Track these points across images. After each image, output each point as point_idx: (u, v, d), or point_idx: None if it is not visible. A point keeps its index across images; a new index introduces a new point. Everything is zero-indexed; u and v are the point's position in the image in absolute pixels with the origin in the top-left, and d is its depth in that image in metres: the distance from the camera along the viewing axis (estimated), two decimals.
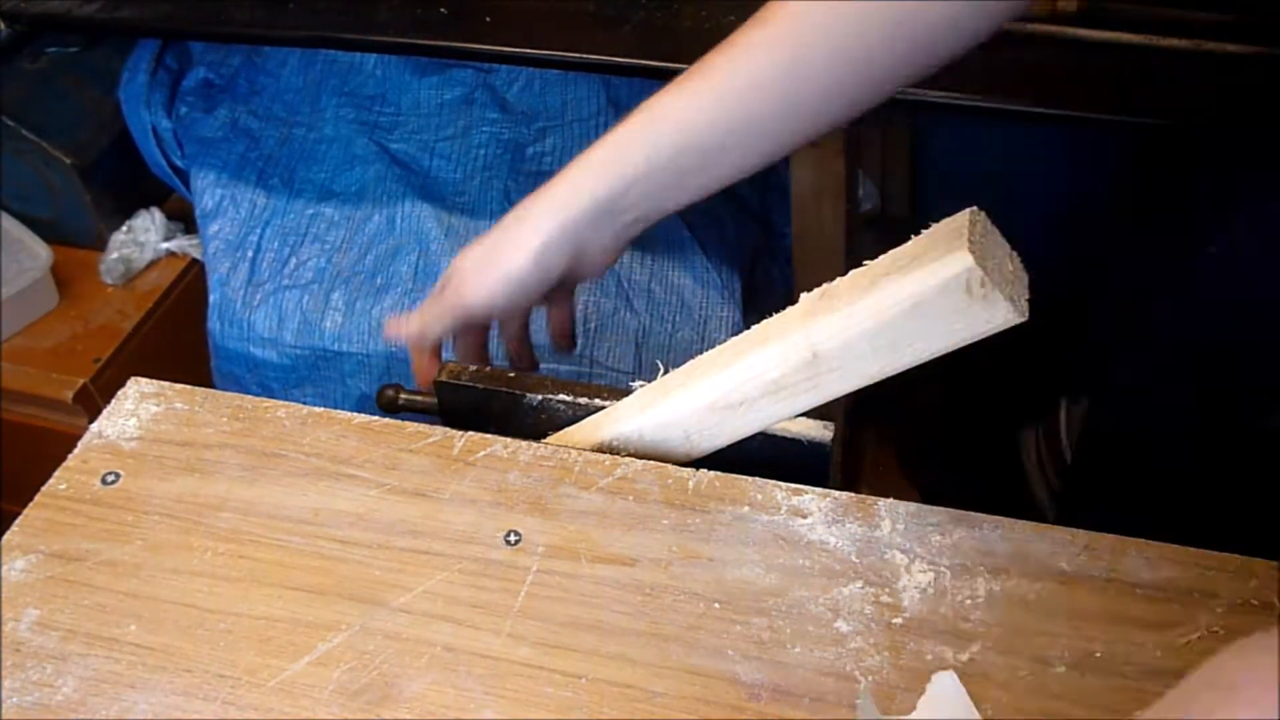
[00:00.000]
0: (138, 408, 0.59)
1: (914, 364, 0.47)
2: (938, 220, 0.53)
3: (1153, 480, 0.80)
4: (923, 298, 0.45)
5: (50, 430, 1.19)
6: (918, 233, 0.52)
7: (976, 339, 0.46)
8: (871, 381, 0.49)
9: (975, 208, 0.47)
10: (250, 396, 0.59)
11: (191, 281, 1.29)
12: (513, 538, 0.52)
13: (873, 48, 0.54)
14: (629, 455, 0.56)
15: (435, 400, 0.63)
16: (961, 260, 0.44)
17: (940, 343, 0.46)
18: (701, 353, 0.56)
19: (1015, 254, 0.47)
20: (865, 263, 0.49)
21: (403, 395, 0.66)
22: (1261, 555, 0.50)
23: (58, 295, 1.25)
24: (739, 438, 0.54)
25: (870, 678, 0.46)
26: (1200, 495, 0.74)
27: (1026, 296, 0.46)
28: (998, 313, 0.45)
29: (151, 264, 1.29)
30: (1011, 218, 0.63)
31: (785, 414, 0.53)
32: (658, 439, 0.55)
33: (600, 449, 0.57)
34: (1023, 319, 0.45)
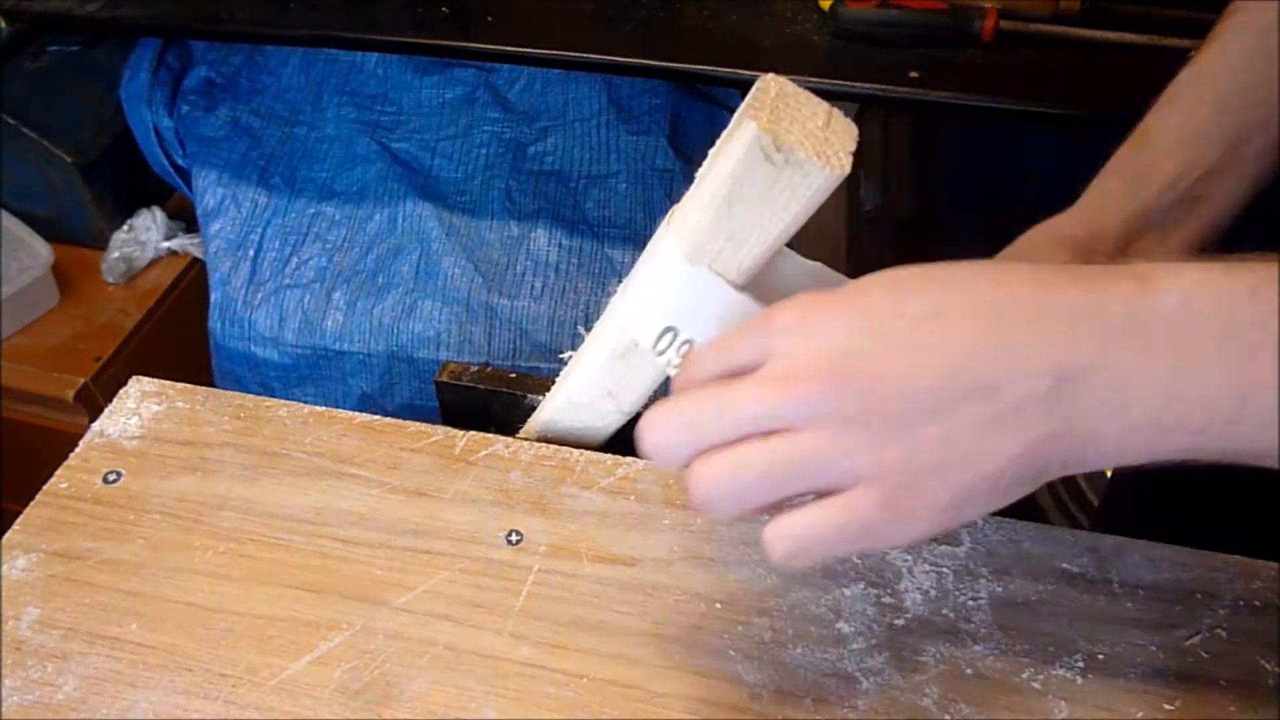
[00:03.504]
0: (139, 406, 0.59)
1: (768, 253, 0.45)
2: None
3: (1155, 480, 0.80)
4: (730, 179, 0.43)
5: (51, 429, 1.19)
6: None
7: (813, 204, 0.44)
8: (744, 283, 0.47)
9: (772, 74, 0.44)
10: (251, 395, 0.59)
11: (193, 280, 1.29)
12: (514, 537, 0.52)
13: None
14: (566, 428, 0.56)
15: None
16: (749, 130, 0.42)
17: (777, 219, 0.44)
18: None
19: (836, 110, 0.44)
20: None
21: None
22: (1263, 556, 0.50)
23: (59, 294, 1.25)
24: (655, 382, 0.53)
25: (872, 678, 0.46)
26: (1201, 496, 0.74)
27: (850, 149, 0.43)
28: (811, 173, 0.42)
29: (153, 263, 1.29)
30: (1012, 217, 0.63)
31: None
32: (583, 402, 0.55)
33: (543, 428, 0.57)
34: (843, 172, 0.42)
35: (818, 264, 0.47)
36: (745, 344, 0.39)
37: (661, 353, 0.48)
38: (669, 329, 0.47)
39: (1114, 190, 0.56)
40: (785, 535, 0.38)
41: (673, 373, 0.47)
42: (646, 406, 0.56)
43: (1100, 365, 0.35)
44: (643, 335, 0.49)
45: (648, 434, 0.40)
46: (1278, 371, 0.34)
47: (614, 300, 0.52)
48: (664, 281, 0.47)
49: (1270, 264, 0.34)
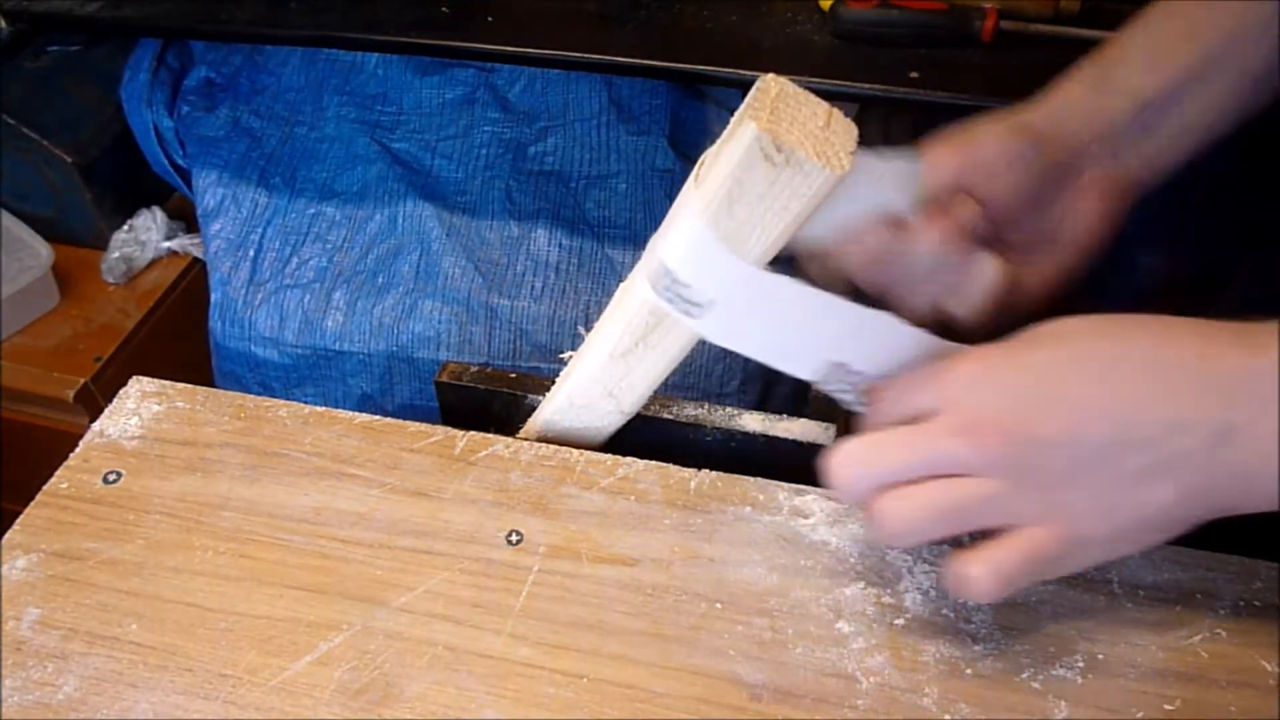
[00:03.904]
0: (139, 407, 0.59)
1: (769, 254, 0.46)
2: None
3: None
4: (731, 180, 0.43)
5: (51, 429, 1.19)
6: None
7: (814, 204, 0.44)
8: None
9: (772, 74, 0.45)
10: (252, 396, 0.59)
11: (193, 280, 1.29)
12: (514, 537, 0.52)
13: None
14: (566, 428, 0.56)
15: None
16: (749, 130, 0.42)
17: (778, 219, 0.45)
18: (700, 351, 0.55)
19: (836, 110, 0.44)
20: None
21: None
22: (1264, 557, 0.50)
23: (59, 294, 1.25)
24: (655, 382, 0.54)
25: (872, 678, 0.46)
26: None
27: (850, 150, 0.44)
28: (811, 173, 0.43)
29: (153, 263, 1.29)
30: None
31: (683, 343, 0.51)
32: (584, 403, 0.55)
33: (543, 428, 0.57)
34: (843, 173, 0.43)
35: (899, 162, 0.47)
36: (926, 393, 0.44)
37: (658, 291, 0.48)
38: (667, 271, 0.47)
39: (1077, 97, 0.56)
40: (985, 572, 0.43)
41: (676, 313, 0.48)
42: (646, 406, 0.56)
43: (1256, 424, 0.39)
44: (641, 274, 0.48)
45: (837, 469, 0.44)
46: None
47: (616, 296, 0.52)
48: (691, 251, 0.46)
49: None
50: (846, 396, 0.50)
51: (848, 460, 0.44)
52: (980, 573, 0.43)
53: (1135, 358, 0.41)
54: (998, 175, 0.53)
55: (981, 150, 0.53)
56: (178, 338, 1.25)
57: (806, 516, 0.52)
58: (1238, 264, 0.82)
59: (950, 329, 0.54)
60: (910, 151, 0.52)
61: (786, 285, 0.46)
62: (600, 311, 0.53)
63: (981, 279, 0.52)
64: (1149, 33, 0.56)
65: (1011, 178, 0.53)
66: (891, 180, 0.49)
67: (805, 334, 0.48)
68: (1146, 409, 0.40)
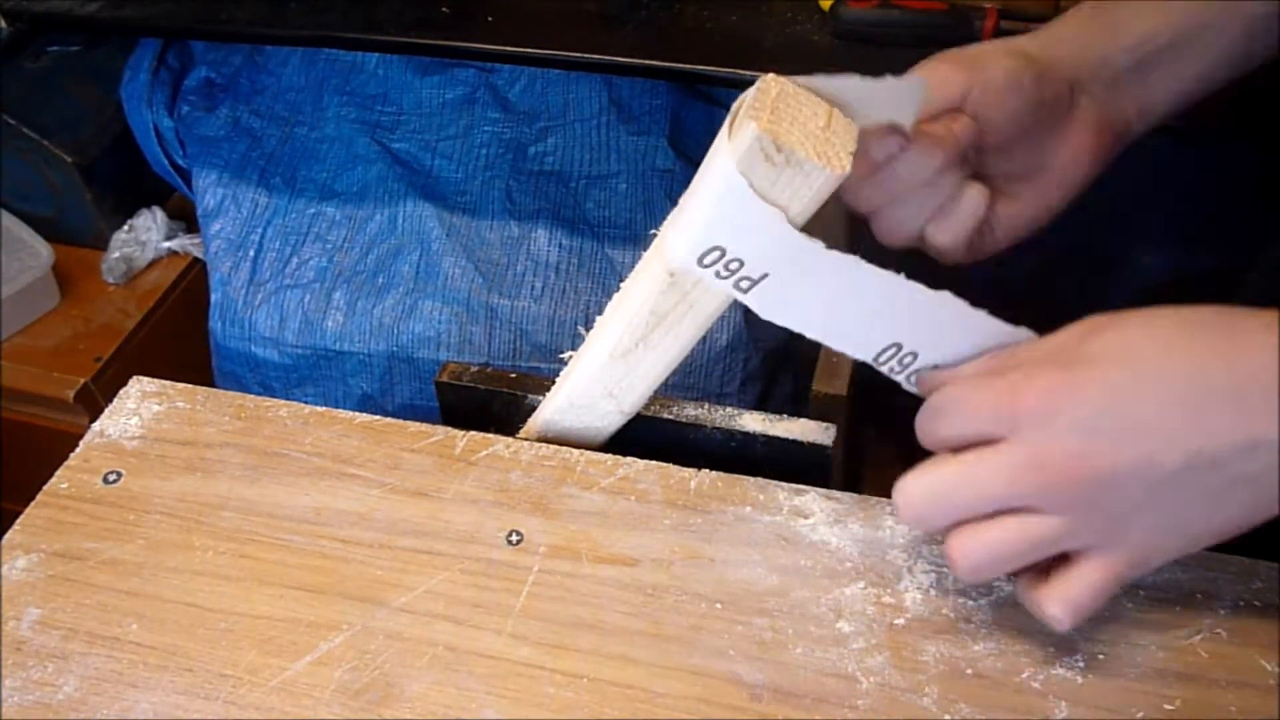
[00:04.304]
0: (139, 407, 0.59)
1: None
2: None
3: None
4: (732, 182, 0.43)
5: (51, 429, 1.19)
6: None
7: (814, 204, 0.44)
8: None
9: (773, 74, 0.44)
10: (252, 396, 0.59)
11: (193, 281, 1.29)
12: (514, 537, 0.52)
13: None
14: (566, 428, 0.56)
15: None
16: (749, 129, 0.42)
17: None
18: (700, 351, 0.55)
19: (837, 111, 0.44)
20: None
21: None
22: (1263, 556, 0.50)
23: (59, 294, 1.25)
24: (655, 382, 0.53)
25: (872, 678, 0.46)
26: None
27: (850, 149, 0.43)
28: (811, 173, 0.43)
29: (153, 263, 1.29)
30: None
31: (683, 343, 0.51)
32: (584, 403, 0.55)
33: (543, 428, 0.57)
34: (844, 173, 0.43)
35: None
36: (991, 419, 0.43)
37: (714, 272, 0.47)
38: (719, 248, 0.46)
39: (1078, 32, 0.55)
40: (1062, 612, 0.44)
41: (725, 287, 0.47)
42: (646, 406, 0.56)
43: None
44: (686, 251, 0.47)
45: (906, 508, 0.44)
46: None
47: (617, 297, 0.52)
48: (721, 196, 0.45)
49: None
50: (900, 378, 0.49)
51: (918, 496, 0.44)
52: (1057, 613, 0.43)
53: (1205, 376, 0.40)
54: (998, 100, 0.52)
55: (986, 72, 0.52)
56: (178, 338, 1.25)
57: (806, 516, 0.52)
58: (1255, 260, 0.82)
59: (929, 253, 0.54)
60: (912, 73, 0.51)
61: (845, 262, 0.45)
62: (600, 311, 0.53)
63: (968, 207, 0.52)
64: None
65: (1011, 104, 0.52)
66: (894, 98, 0.48)
67: (860, 312, 0.47)
68: (1220, 433, 0.40)
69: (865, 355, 0.49)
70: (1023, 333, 0.47)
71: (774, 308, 0.48)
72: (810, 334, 0.49)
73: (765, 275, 0.46)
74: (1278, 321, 0.40)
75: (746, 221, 0.45)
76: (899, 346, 0.48)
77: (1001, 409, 0.43)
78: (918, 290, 0.46)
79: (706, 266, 0.47)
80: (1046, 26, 0.56)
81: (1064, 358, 0.43)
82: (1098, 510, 0.41)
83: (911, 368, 0.49)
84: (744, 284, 0.47)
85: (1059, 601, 0.43)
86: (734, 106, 0.46)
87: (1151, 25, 0.54)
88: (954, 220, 0.52)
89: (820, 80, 0.45)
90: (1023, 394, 0.42)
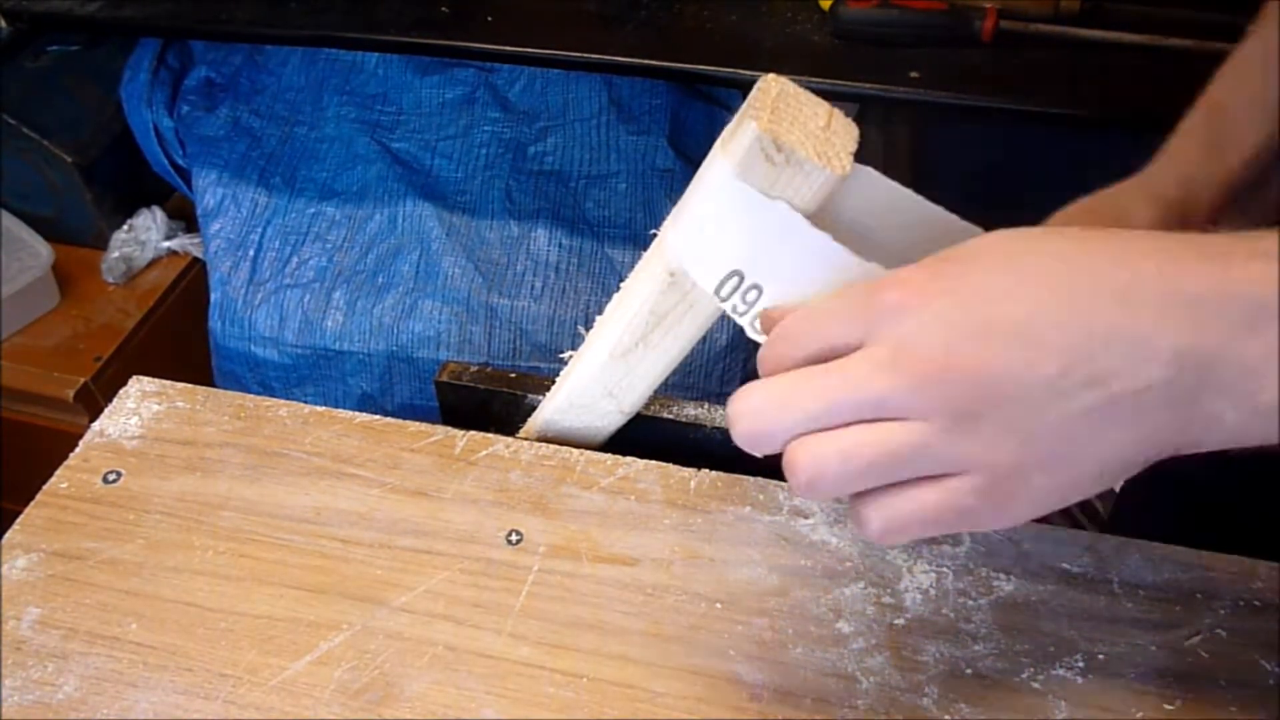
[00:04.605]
0: (139, 406, 0.59)
1: None
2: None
3: (1157, 481, 0.80)
4: (732, 183, 0.43)
5: (51, 429, 1.19)
6: None
7: (814, 204, 0.43)
8: None
9: (773, 74, 0.44)
10: (252, 395, 0.59)
11: (193, 280, 1.29)
12: (514, 537, 0.52)
13: None
14: (566, 428, 0.56)
15: None
16: (749, 130, 0.42)
17: None
18: (700, 351, 0.55)
19: (837, 110, 0.44)
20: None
21: None
22: (1263, 556, 0.50)
23: (59, 294, 1.25)
24: (655, 382, 0.53)
25: (872, 678, 0.46)
26: (1202, 496, 0.74)
27: (851, 149, 0.43)
28: (811, 173, 0.42)
29: (153, 263, 1.29)
30: (1012, 217, 0.63)
31: (683, 342, 0.51)
32: (584, 403, 0.55)
33: (543, 428, 0.57)
34: (844, 173, 0.42)
35: (903, 190, 0.45)
36: (846, 322, 0.37)
37: (725, 298, 0.45)
38: (734, 273, 0.44)
39: (1195, 158, 0.54)
40: (885, 511, 0.37)
41: (744, 324, 0.44)
42: (646, 406, 0.56)
43: (1227, 352, 0.34)
44: (701, 277, 0.45)
45: (742, 418, 0.38)
46: None
47: (617, 297, 0.52)
48: (725, 210, 0.43)
49: None
50: (741, 318, 0.45)
51: (756, 405, 0.38)
52: (870, 513, 0.38)
53: (1092, 281, 0.35)
54: None
55: (1128, 223, 0.50)
56: (178, 338, 1.25)
57: (806, 516, 0.52)
58: None
59: None
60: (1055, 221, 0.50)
61: (719, 168, 0.43)
62: (600, 311, 0.53)
63: None
64: (1243, 84, 0.54)
65: None
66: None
67: (716, 228, 0.44)
68: (1102, 339, 0.34)
69: (708, 283, 0.45)
70: (892, 272, 0.40)
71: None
72: (668, 241, 0.47)
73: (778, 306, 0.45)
74: (1172, 238, 0.35)
75: (753, 227, 0.44)
76: (742, 276, 0.44)
77: (857, 310, 0.37)
78: (775, 209, 0.43)
79: (725, 299, 0.45)
80: (1163, 157, 0.54)
81: (936, 259, 0.38)
82: (963, 421, 0.35)
83: (758, 309, 0.44)
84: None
85: (877, 504, 0.37)
86: (725, 130, 0.46)
87: (1260, 131, 0.53)
88: None
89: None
90: (883, 291, 0.37)
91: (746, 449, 0.39)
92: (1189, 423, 0.35)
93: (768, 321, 0.42)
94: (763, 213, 0.43)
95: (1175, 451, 0.36)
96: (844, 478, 0.37)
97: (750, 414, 0.38)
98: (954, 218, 0.46)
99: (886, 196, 0.45)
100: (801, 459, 0.37)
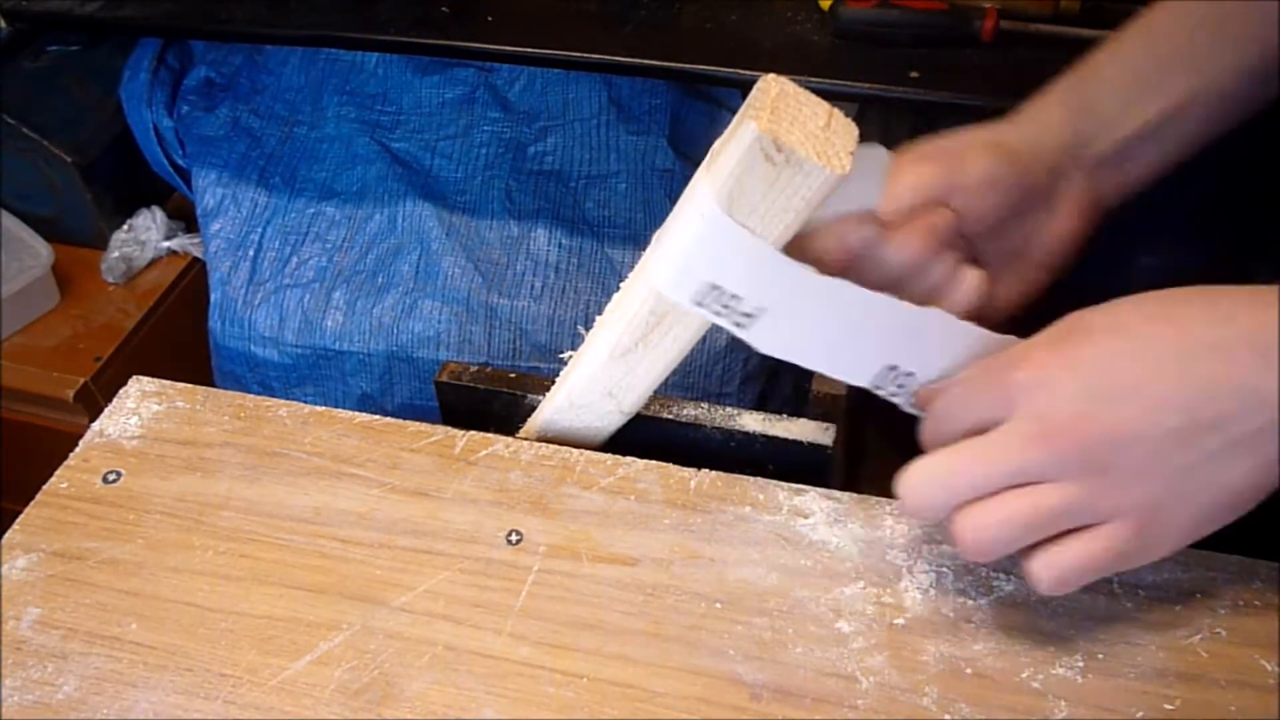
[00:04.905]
0: (139, 406, 0.59)
1: (776, 247, 0.45)
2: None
3: None
4: (731, 179, 0.43)
5: (51, 429, 1.19)
6: None
7: (814, 204, 0.44)
8: None
9: (773, 74, 0.45)
10: (251, 395, 0.59)
11: (193, 280, 1.29)
12: (514, 537, 0.52)
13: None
14: (566, 428, 0.56)
15: None
16: (749, 130, 0.42)
17: (778, 219, 0.44)
18: (700, 351, 0.55)
19: (837, 110, 0.44)
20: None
21: None
22: (1263, 556, 0.50)
23: (58, 294, 1.25)
24: (655, 382, 0.54)
25: (872, 678, 0.46)
26: None
27: (850, 149, 0.44)
28: (811, 173, 0.43)
29: (152, 263, 1.29)
30: None
31: (683, 343, 0.51)
32: (584, 403, 0.55)
33: (543, 428, 0.57)
34: (844, 173, 0.43)
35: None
36: (987, 401, 0.43)
37: (712, 310, 0.48)
38: (714, 286, 0.46)
39: (1055, 119, 0.56)
40: (1054, 566, 0.43)
41: (724, 324, 0.48)
42: (646, 406, 0.56)
43: None
44: (678, 292, 0.47)
45: (909, 493, 0.44)
46: None
47: (616, 298, 0.52)
48: (704, 235, 0.45)
49: None
50: (900, 400, 0.50)
51: (923, 480, 0.44)
52: (1038, 569, 0.43)
53: (1199, 340, 0.41)
54: (977, 194, 0.53)
55: (963, 168, 0.53)
56: (178, 338, 1.25)
57: (806, 516, 0.52)
58: (1253, 276, 0.82)
59: None
60: (870, 144, 0.51)
61: (837, 287, 0.46)
62: (600, 311, 0.53)
63: (966, 290, 0.52)
64: (1129, 56, 0.56)
65: (991, 197, 0.53)
66: (859, 170, 0.49)
67: (855, 337, 0.48)
68: (1215, 389, 0.40)
69: (864, 381, 0.49)
70: (1011, 340, 0.47)
71: (772, 342, 0.48)
72: (811, 365, 0.49)
73: (763, 310, 0.46)
74: (1255, 291, 0.41)
75: (732, 254, 0.45)
76: (895, 368, 0.48)
77: (997, 390, 0.43)
78: (907, 308, 0.47)
79: (702, 306, 0.47)
80: (1027, 110, 0.56)
81: (1054, 336, 0.43)
82: (1104, 476, 0.41)
83: (909, 387, 0.49)
84: (742, 321, 0.47)
85: (1044, 561, 0.43)
86: (713, 148, 0.46)
87: (1133, 111, 0.55)
88: (951, 303, 0.52)
89: None
90: (1017, 370, 0.43)
91: (919, 519, 0.47)
92: None
93: (923, 400, 0.49)
94: (743, 243, 0.45)
95: None
96: (1004, 541, 0.43)
97: (915, 490, 0.44)
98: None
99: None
100: (966, 527, 0.43)
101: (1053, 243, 0.56)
